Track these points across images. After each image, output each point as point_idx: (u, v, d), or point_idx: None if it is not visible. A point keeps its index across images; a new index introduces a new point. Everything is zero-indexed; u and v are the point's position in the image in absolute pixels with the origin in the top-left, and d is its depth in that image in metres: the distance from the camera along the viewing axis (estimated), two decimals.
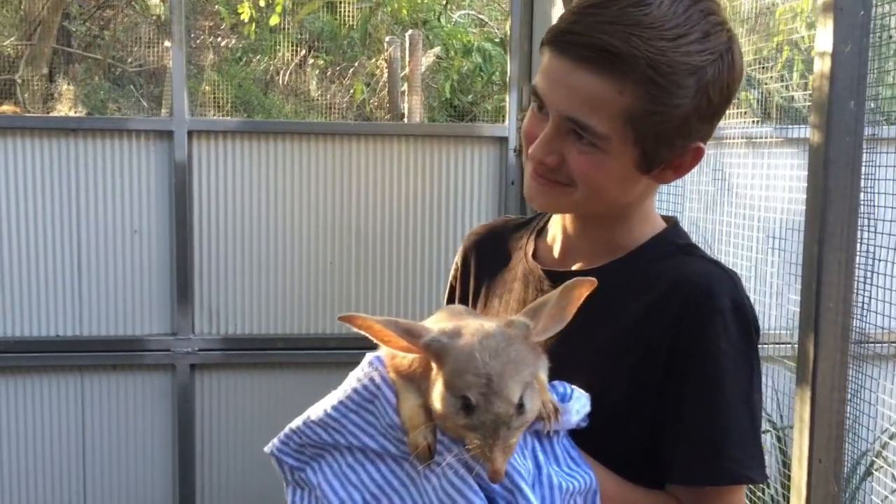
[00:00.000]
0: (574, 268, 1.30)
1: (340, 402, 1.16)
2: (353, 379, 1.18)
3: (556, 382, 1.17)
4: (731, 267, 1.29)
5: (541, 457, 1.10)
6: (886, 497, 2.28)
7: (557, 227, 1.36)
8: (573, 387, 1.17)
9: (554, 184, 1.21)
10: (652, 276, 1.23)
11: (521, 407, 1.03)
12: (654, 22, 1.09)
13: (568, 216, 1.33)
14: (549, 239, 1.39)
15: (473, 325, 1.09)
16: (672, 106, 1.12)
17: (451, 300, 1.52)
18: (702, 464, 1.17)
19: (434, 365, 1.08)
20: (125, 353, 4.27)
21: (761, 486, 2.42)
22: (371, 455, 1.15)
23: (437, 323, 1.15)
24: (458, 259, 1.53)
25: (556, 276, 1.28)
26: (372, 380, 1.15)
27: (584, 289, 1.12)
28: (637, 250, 1.27)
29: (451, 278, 1.54)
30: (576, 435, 1.18)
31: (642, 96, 1.11)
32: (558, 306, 1.11)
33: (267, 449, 1.24)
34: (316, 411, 1.19)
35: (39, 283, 4.17)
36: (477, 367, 1.02)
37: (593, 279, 1.12)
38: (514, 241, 1.44)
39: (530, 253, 1.38)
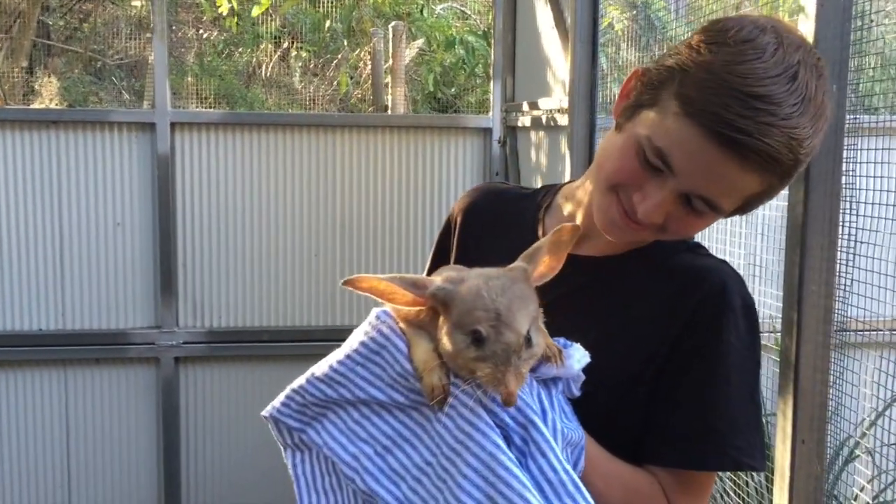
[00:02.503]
0: (592, 253, 1.32)
1: (347, 357, 1.17)
2: (360, 333, 1.19)
3: (555, 338, 1.20)
4: (715, 252, 1.36)
5: (545, 402, 1.14)
6: (870, 479, 2.31)
7: (578, 213, 1.35)
8: (572, 341, 1.22)
9: (645, 228, 1.22)
10: (670, 270, 1.29)
11: (528, 340, 1.06)
12: (805, 122, 1.10)
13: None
14: (560, 219, 1.39)
15: (476, 272, 1.14)
16: (788, 182, 1.19)
17: (438, 253, 1.51)
18: (706, 449, 1.22)
19: (441, 312, 1.11)
20: (109, 347, 4.25)
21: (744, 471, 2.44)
22: (377, 408, 1.15)
23: (442, 275, 1.17)
24: (454, 216, 1.50)
25: (574, 261, 1.27)
26: (380, 331, 1.16)
27: (572, 233, 1.17)
28: (653, 244, 1.31)
29: (441, 233, 1.53)
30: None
31: (775, 184, 1.16)
32: (550, 253, 1.17)
33: (266, 412, 1.23)
34: (320, 368, 1.19)
35: (21, 276, 4.14)
36: (486, 304, 1.06)
37: (578, 224, 1.20)
38: (517, 215, 1.44)
39: (540, 234, 1.39)
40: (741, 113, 1.07)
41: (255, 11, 6.97)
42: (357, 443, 1.16)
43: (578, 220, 1.34)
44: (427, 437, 1.12)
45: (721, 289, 1.24)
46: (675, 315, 1.24)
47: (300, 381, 1.20)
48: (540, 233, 1.39)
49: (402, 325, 1.17)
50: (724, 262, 1.32)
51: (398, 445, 1.14)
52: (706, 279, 1.25)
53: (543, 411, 1.12)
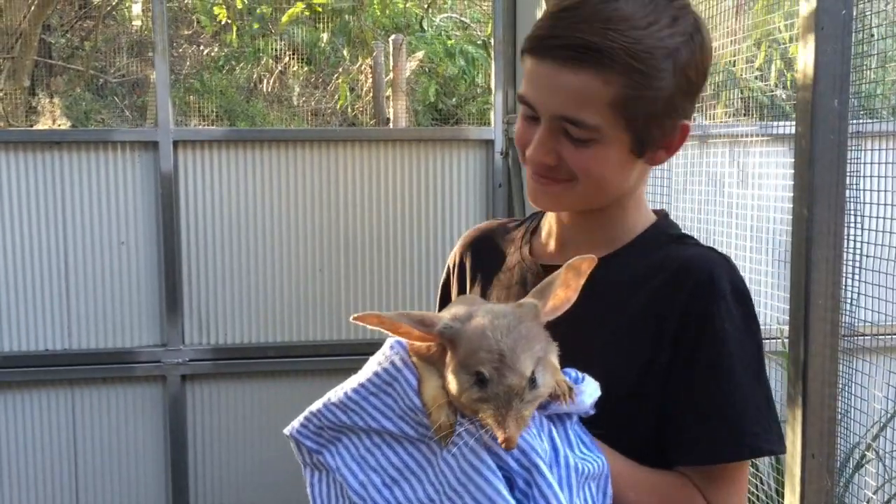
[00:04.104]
0: None
1: (361, 385, 1.18)
2: (374, 363, 1.20)
3: (567, 369, 1.20)
4: None
5: (557, 439, 1.13)
6: (876, 489, 2.30)
7: (552, 223, 1.39)
8: (583, 374, 1.21)
9: (555, 182, 1.26)
10: (653, 265, 1.28)
11: (533, 381, 1.06)
12: (624, 15, 1.17)
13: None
14: (543, 236, 1.42)
15: (484, 308, 1.14)
16: (655, 88, 1.19)
17: (443, 302, 1.53)
18: (721, 442, 1.21)
19: (449, 350, 1.11)
20: (115, 366, 4.24)
21: (755, 481, 2.44)
22: (388, 438, 1.17)
23: (451, 311, 1.18)
24: (453, 261, 1.54)
25: (555, 270, 1.27)
26: (392, 363, 1.17)
27: (586, 265, 1.17)
28: (635, 241, 1.32)
29: (442, 282, 1.56)
30: (583, 423, 1.20)
31: (626, 83, 1.17)
32: (563, 286, 1.16)
33: (287, 431, 1.26)
34: (336, 393, 1.21)
35: (27, 297, 4.15)
36: (490, 345, 1.06)
37: (593, 256, 1.18)
38: (509, 244, 1.47)
39: (526, 252, 1.41)
40: (551, 24, 1.20)
41: (256, 25, 7.00)
42: (367, 471, 1.17)
43: (553, 238, 1.38)
44: (432, 473, 1.12)
45: (709, 277, 1.23)
46: (668, 310, 1.23)
47: (318, 404, 1.22)
48: (527, 254, 1.40)
49: (414, 358, 1.18)
50: (710, 248, 1.32)
51: (405, 478, 1.14)
52: (692, 270, 1.25)
53: (555, 450, 1.11)
